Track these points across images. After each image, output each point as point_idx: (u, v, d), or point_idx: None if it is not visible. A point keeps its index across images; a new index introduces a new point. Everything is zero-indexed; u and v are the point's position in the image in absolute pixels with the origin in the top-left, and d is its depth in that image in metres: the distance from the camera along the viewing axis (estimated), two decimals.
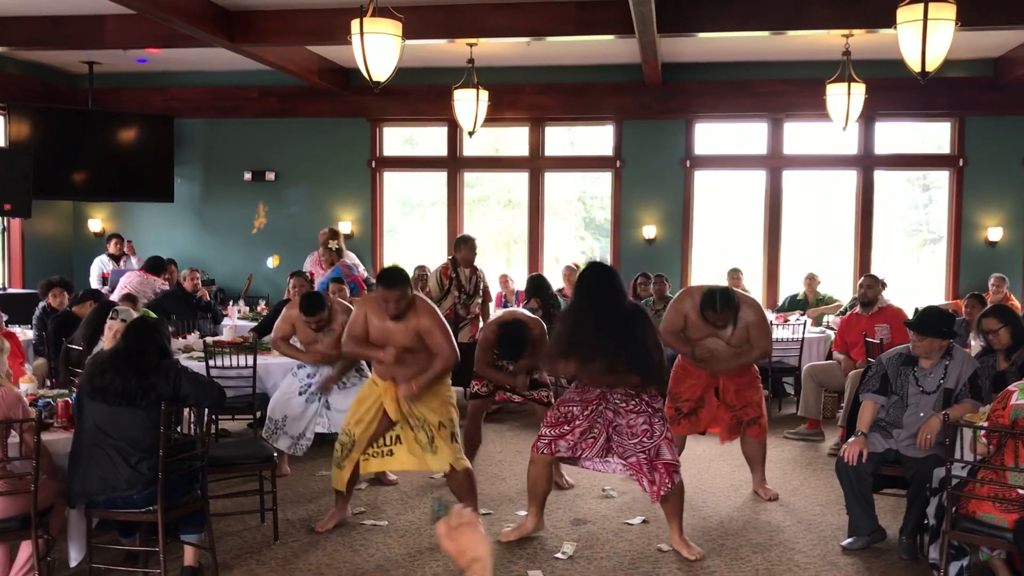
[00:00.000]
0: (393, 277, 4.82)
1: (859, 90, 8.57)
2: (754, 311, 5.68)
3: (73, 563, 4.40)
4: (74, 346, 6.45)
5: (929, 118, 10.89)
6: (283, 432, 6.10)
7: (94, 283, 10.61)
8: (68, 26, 9.04)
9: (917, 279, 11.35)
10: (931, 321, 4.88)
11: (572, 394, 4.89)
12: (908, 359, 4.98)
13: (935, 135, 11.11)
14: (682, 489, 4.91)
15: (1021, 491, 3.92)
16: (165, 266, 9.98)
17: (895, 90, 10.01)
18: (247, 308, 10.07)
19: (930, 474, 4.49)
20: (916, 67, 5.97)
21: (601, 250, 11.75)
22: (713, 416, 5.84)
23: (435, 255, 11.55)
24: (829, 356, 8.34)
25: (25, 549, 4.19)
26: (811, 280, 9.91)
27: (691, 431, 5.94)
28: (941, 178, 11.07)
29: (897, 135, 11.12)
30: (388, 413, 5.03)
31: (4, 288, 10.43)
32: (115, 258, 10.83)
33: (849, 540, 5.01)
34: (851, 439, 4.98)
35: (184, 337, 7.31)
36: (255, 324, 7.99)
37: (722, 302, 5.47)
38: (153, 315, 7.13)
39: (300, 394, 6.13)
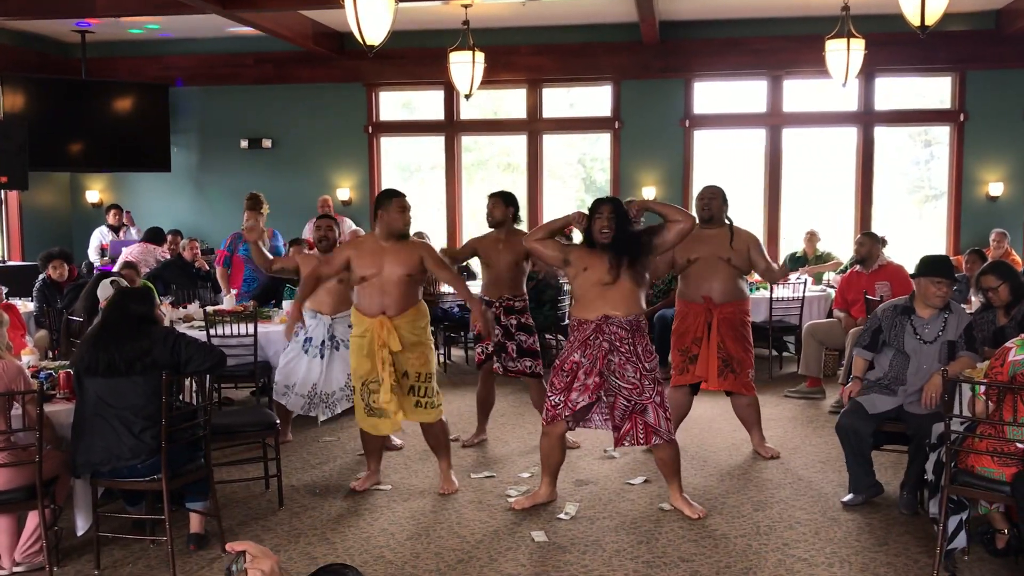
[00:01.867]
0: (398, 190, 5.24)
1: (858, 45, 8.48)
2: (753, 237, 5.84)
3: (80, 532, 4.44)
4: (75, 317, 6.47)
5: (930, 73, 10.80)
6: (294, 392, 6.10)
7: (93, 254, 10.62)
8: None
9: (919, 235, 11.33)
10: (944, 264, 4.97)
11: (569, 344, 4.89)
12: (905, 309, 4.99)
13: (936, 90, 11.02)
14: (678, 451, 4.94)
15: (1020, 445, 3.94)
16: (165, 236, 10.02)
17: (895, 45, 9.92)
18: None
19: (931, 430, 4.51)
20: (915, 21, 5.90)
21: None
22: (707, 356, 5.71)
23: (435, 220, 11.54)
24: (830, 314, 8.34)
25: (32, 519, 4.23)
26: (811, 237, 9.89)
27: (695, 377, 5.77)
28: (942, 133, 11.00)
29: (897, 90, 11.03)
30: (389, 345, 4.99)
31: (3, 261, 10.44)
32: (114, 229, 10.83)
33: (849, 496, 5.05)
34: (847, 385, 5.08)
35: (184, 307, 7.32)
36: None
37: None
38: (150, 285, 7.19)
39: (305, 352, 6.12)
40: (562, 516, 4.90)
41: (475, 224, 11.73)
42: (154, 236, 9.94)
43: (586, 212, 4.86)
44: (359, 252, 5.13)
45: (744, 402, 5.92)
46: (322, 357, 6.07)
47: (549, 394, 4.89)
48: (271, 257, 6.14)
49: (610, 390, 4.74)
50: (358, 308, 5.16)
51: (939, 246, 10.82)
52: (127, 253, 9.37)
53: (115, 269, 8.48)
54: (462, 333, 8.90)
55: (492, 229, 6.13)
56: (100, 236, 10.78)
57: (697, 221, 5.13)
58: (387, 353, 4.98)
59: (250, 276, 7.80)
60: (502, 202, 6.08)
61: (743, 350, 5.77)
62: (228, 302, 7.44)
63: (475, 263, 7.63)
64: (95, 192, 12.14)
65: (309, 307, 6.07)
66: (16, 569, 4.26)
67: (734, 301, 5.76)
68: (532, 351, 6.07)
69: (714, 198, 5.77)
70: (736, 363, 5.73)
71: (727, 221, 5.76)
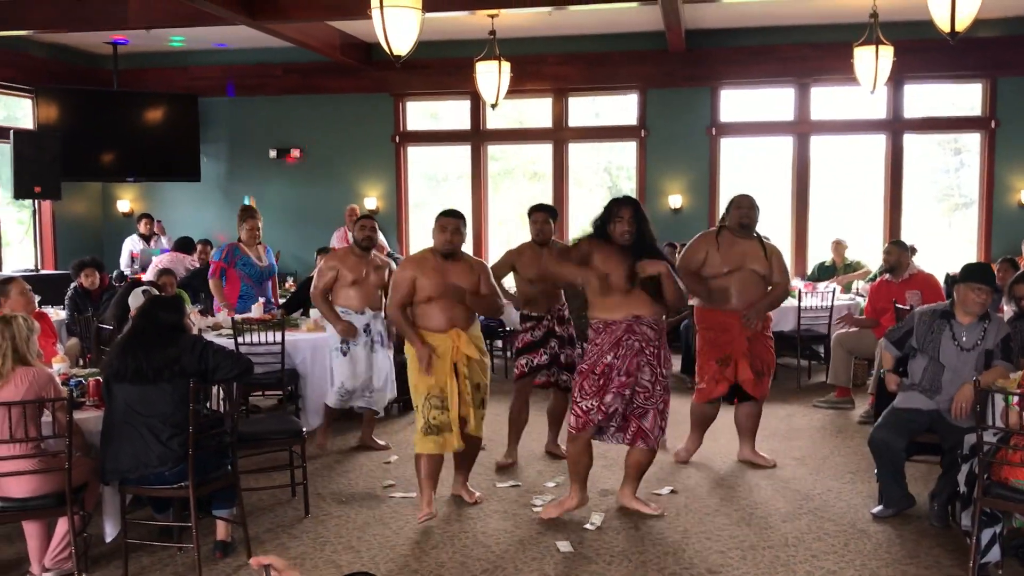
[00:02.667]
0: (452, 211, 5.18)
1: (887, 52, 8.41)
2: (778, 250, 5.81)
3: (108, 539, 4.48)
4: (105, 326, 6.53)
5: (960, 79, 10.70)
6: (359, 394, 6.22)
7: (124, 263, 10.73)
8: (90, 7, 9.07)
9: (948, 244, 11.20)
10: (986, 271, 4.92)
11: (596, 347, 4.75)
12: (945, 313, 4.93)
13: (966, 97, 10.90)
14: (653, 459, 5.02)
15: None
16: (195, 245, 10.12)
17: (924, 51, 9.83)
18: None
19: (964, 441, 4.45)
20: (945, 27, 5.84)
21: None
22: (746, 366, 5.66)
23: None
24: None
25: (62, 525, 4.27)
26: (838, 246, 9.81)
27: (729, 382, 5.70)
28: (972, 141, 10.88)
29: (927, 98, 10.93)
30: (461, 363, 4.93)
31: (36, 269, 10.57)
32: (145, 238, 10.95)
33: (879, 508, 4.98)
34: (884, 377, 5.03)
35: (213, 315, 7.37)
36: (283, 300, 8.03)
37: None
38: (184, 294, 7.25)
39: (344, 354, 6.15)
40: (588, 526, 4.87)
41: (502, 232, 11.76)
42: (184, 245, 10.06)
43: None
44: (423, 270, 5.01)
45: (754, 410, 5.86)
46: (372, 349, 6.18)
47: (578, 399, 4.78)
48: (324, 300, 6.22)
49: (636, 393, 4.76)
50: (421, 326, 5.00)
51: (970, 255, 10.69)
52: (158, 261, 9.47)
53: (147, 277, 8.57)
54: (490, 342, 8.89)
55: (532, 242, 5.92)
56: (131, 245, 10.90)
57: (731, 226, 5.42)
58: (463, 365, 4.95)
59: (246, 293, 7.45)
60: (551, 217, 5.89)
61: (772, 356, 5.83)
62: (222, 317, 7.15)
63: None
64: (126, 201, 12.29)
65: (339, 304, 6.17)
66: (46, 574, 4.29)
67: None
68: (573, 365, 5.87)
69: (753, 208, 5.72)
70: (766, 367, 5.76)
71: (755, 234, 5.75)
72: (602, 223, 4.80)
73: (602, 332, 4.77)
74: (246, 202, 11.10)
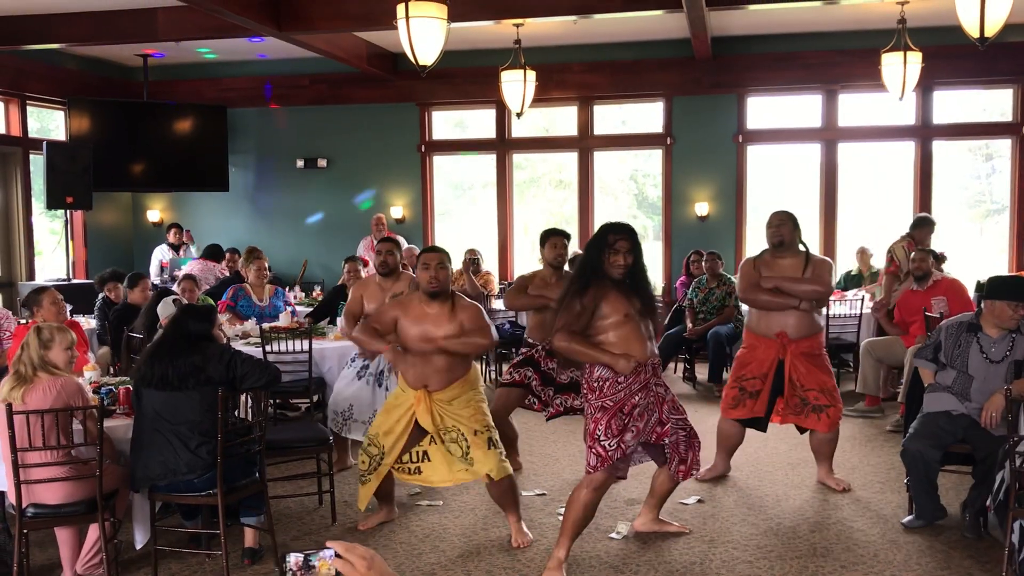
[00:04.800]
0: (433, 247, 4.82)
1: (915, 58, 8.35)
2: (828, 263, 5.52)
3: (139, 545, 4.53)
4: (135, 334, 6.61)
5: (990, 85, 10.58)
6: (352, 420, 5.82)
7: (153, 272, 10.86)
8: (121, 20, 9.20)
9: (980, 251, 11.07)
10: (1016, 285, 4.79)
11: (622, 384, 4.28)
12: (971, 326, 4.86)
13: (997, 102, 10.78)
14: (674, 486, 4.86)
15: None
16: (223, 253, 10.22)
17: (953, 57, 9.74)
18: (303, 294, 10.22)
19: (998, 452, 4.39)
20: (974, 33, 5.79)
21: (654, 228, 11.67)
22: (766, 395, 5.45)
23: (487, 238, 11.59)
24: (880, 331, 8.13)
25: (93, 531, 4.33)
26: (863, 254, 9.73)
27: (751, 413, 5.52)
28: (1004, 146, 10.75)
29: (957, 104, 10.81)
30: (420, 424, 4.64)
31: (68, 279, 10.71)
32: (175, 247, 11.06)
33: (910, 518, 4.93)
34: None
35: (241, 323, 7.44)
36: (311, 309, 8.09)
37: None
38: (211, 301, 7.31)
39: (359, 378, 6.04)
40: (614, 536, 4.86)
41: (528, 242, 11.76)
42: (213, 254, 10.17)
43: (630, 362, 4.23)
44: (405, 314, 4.70)
45: (822, 436, 5.56)
46: (380, 385, 5.85)
47: (601, 437, 4.26)
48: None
49: (672, 428, 4.54)
50: (401, 377, 4.79)
51: (1001, 261, 10.55)
52: (187, 268, 9.58)
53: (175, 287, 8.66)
54: (513, 350, 8.90)
55: (547, 267, 5.84)
56: (160, 254, 11.03)
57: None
58: (431, 427, 4.62)
59: None
60: (567, 242, 5.82)
61: (831, 381, 5.47)
62: (250, 326, 7.14)
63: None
64: (156, 211, 12.44)
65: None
66: None
67: (811, 336, 5.45)
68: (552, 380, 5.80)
69: (783, 224, 5.41)
70: (831, 397, 5.42)
71: (803, 248, 5.45)
72: (597, 253, 4.29)
73: (625, 380, 4.31)
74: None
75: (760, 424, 5.62)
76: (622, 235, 4.26)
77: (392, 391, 5.07)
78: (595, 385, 4.32)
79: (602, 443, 4.26)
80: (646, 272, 4.43)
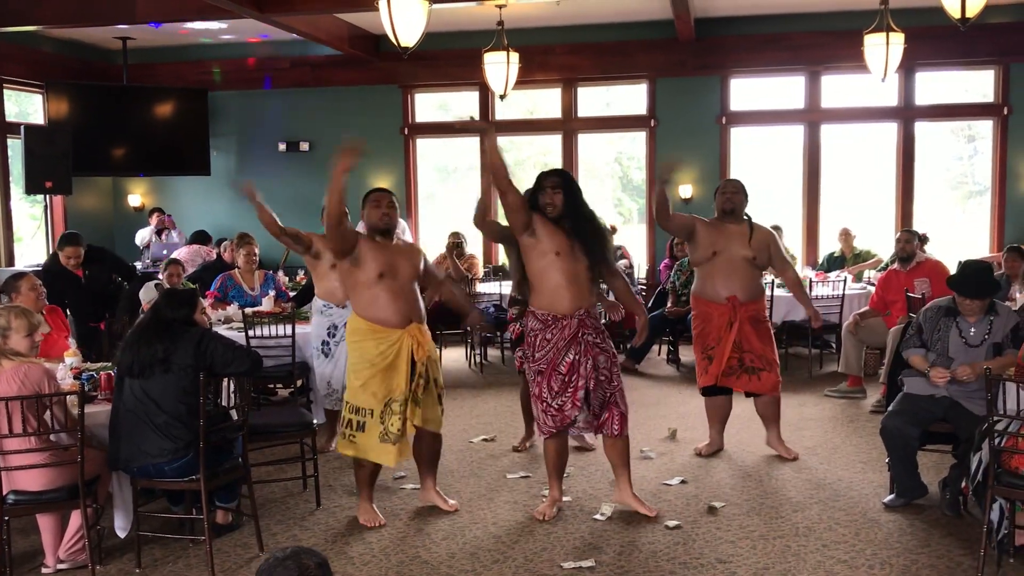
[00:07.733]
0: (382, 188, 5.03)
1: (898, 40, 8.35)
2: (771, 234, 5.77)
3: (121, 533, 4.51)
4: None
5: (971, 66, 10.61)
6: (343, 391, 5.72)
7: (140, 243, 10.83)
8: (99, 2, 9.10)
9: (962, 232, 11.14)
10: (975, 282, 4.74)
11: (550, 343, 4.63)
12: (950, 311, 4.89)
13: (979, 84, 10.82)
14: (628, 443, 4.90)
15: None
16: (210, 237, 10.19)
17: (935, 38, 9.75)
18: (286, 278, 10.17)
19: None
20: (956, 14, 5.81)
21: (639, 211, 11.67)
22: (721, 356, 5.61)
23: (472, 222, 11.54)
24: None
25: (76, 518, 4.31)
26: (846, 236, 9.77)
27: (714, 376, 5.68)
28: (985, 128, 10.80)
29: (939, 85, 10.84)
30: (416, 357, 4.65)
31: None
32: (157, 232, 11.00)
33: (890, 497, 4.97)
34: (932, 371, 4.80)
35: (223, 308, 7.39)
36: (294, 293, 8.06)
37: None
38: (192, 285, 7.27)
39: (326, 356, 6.01)
40: (598, 516, 4.88)
41: None
42: (202, 238, 10.14)
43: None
44: (369, 244, 4.68)
45: (768, 399, 5.83)
46: (327, 356, 5.92)
47: (548, 399, 4.64)
48: (278, 222, 5.99)
49: (599, 388, 4.71)
50: (374, 319, 4.63)
51: (983, 242, 10.62)
52: (176, 253, 9.54)
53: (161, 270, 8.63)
54: (498, 333, 8.91)
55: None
56: (141, 239, 10.97)
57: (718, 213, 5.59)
58: (422, 365, 4.69)
59: None
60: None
61: (771, 349, 5.74)
62: (233, 311, 7.08)
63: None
64: (137, 196, 12.33)
65: (321, 297, 6.00)
66: (60, 567, 4.33)
67: (757, 300, 5.77)
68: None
69: (737, 192, 5.72)
70: (766, 362, 5.66)
71: (745, 217, 5.74)
72: (533, 197, 4.68)
73: (551, 326, 4.65)
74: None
75: (727, 390, 5.84)
76: (552, 176, 4.66)
77: (351, 358, 4.82)
78: (529, 341, 4.71)
79: (551, 403, 4.64)
80: (594, 221, 4.71)
